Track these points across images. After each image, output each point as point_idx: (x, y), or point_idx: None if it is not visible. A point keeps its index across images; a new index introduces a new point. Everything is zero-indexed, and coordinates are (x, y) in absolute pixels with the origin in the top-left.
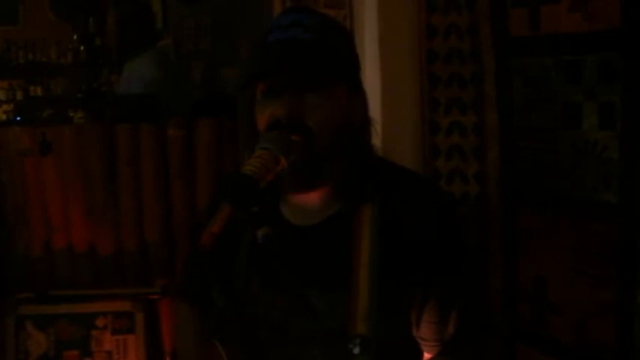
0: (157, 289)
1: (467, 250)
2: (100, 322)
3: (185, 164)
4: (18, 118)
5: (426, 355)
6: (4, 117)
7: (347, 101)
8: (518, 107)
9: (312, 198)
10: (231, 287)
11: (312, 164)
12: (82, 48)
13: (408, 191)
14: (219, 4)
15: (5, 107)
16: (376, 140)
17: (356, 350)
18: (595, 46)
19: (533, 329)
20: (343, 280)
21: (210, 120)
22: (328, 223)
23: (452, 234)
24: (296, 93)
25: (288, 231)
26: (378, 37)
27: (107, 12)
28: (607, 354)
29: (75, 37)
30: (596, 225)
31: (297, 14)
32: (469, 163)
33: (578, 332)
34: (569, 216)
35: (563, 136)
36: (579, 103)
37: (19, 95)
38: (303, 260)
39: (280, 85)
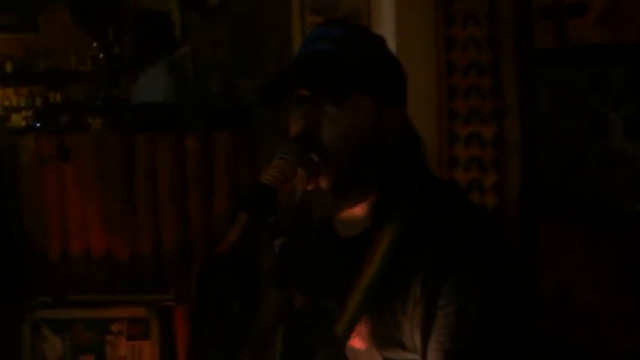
0: (171, 297)
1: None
2: (115, 328)
3: (202, 174)
4: (38, 125)
5: None
6: (23, 123)
7: (375, 116)
8: (542, 118)
9: (350, 210)
10: (253, 296)
11: (333, 187)
12: (101, 56)
13: (440, 227)
14: (238, 14)
15: (25, 113)
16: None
17: None
18: (622, 58)
19: (555, 339)
20: (345, 295)
21: (227, 131)
22: (361, 236)
23: (481, 302)
24: (314, 106)
25: (331, 241)
26: (396, 48)
27: (126, 20)
28: None
29: (94, 45)
30: (623, 234)
31: (326, 27)
32: (487, 175)
33: (602, 341)
34: (595, 226)
35: (589, 146)
36: (606, 113)
37: (39, 102)
38: (331, 269)
39: (303, 97)
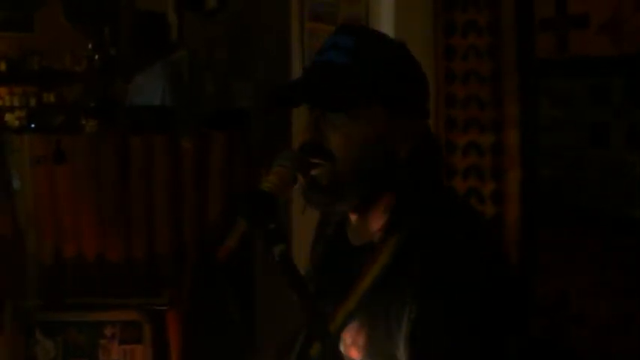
0: (164, 300)
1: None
2: (108, 332)
3: (197, 177)
4: (32, 125)
5: None
6: (16, 123)
7: (384, 127)
8: (543, 127)
9: (362, 218)
10: (250, 301)
11: (332, 187)
12: (96, 57)
13: (434, 244)
14: (235, 17)
15: (18, 113)
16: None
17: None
18: (623, 69)
19: (554, 344)
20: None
21: (223, 133)
22: (369, 245)
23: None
24: (320, 115)
25: (343, 248)
26: None
27: (122, 21)
28: None
29: (90, 45)
30: (623, 240)
31: (338, 36)
32: (486, 183)
33: (601, 345)
34: (595, 233)
35: (590, 155)
36: (607, 123)
37: (33, 102)
38: (338, 276)
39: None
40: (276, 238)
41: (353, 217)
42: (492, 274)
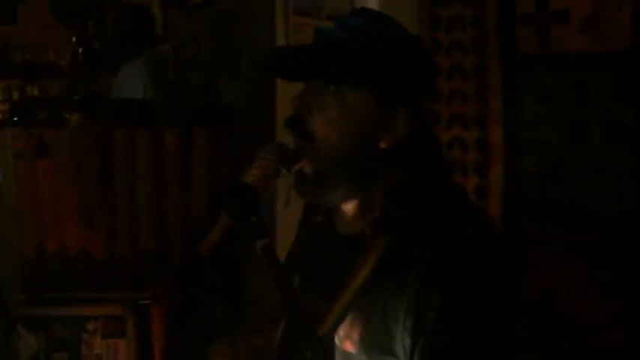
0: (148, 295)
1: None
2: (90, 326)
3: (181, 172)
4: (14, 119)
5: None
6: None
7: (371, 114)
8: (526, 123)
9: (348, 208)
10: (233, 296)
11: (316, 176)
12: (80, 50)
13: (436, 238)
14: (220, 11)
15: (1, 107)
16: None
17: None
18: (605, 65)
19: (539, 341)
20: (335, 294)
21: (207, 128)
22: (360, 236)
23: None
24: (310, 89)
25: (331, 237)
26: None
27: (107, 15)
28: None
29: (73, 39)
30: (606, 237)
31: (351, 15)
32: (469, 179)
33: (586, 342)
34: (578, 229)
35: (571, 151)
36: (588, 119)
37: (16, 95)
38: (327, 266)
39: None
40: (259, 232)
41: (342, 206)
42: (490, 268)
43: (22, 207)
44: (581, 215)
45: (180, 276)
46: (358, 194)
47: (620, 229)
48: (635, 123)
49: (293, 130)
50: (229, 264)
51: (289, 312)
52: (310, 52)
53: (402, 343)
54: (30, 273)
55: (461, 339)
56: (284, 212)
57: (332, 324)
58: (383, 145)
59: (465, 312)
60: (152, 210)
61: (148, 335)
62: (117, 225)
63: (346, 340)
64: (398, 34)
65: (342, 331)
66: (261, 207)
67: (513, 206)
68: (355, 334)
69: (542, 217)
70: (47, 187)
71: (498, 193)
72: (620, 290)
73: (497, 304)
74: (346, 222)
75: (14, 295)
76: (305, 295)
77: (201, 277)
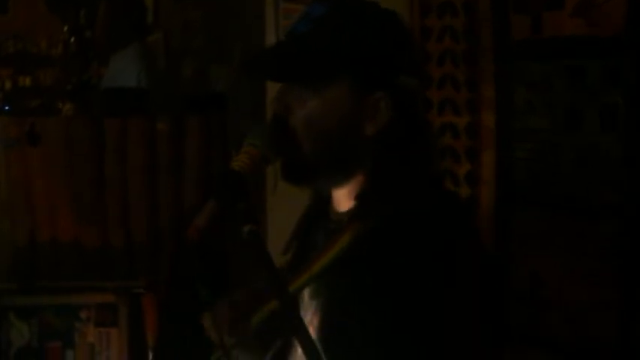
0: (141, 283)
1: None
2: (83, 315)
3: (173, 160)
4: (6, 108)
5: None
6: None
7: (351, 103)
8: (519, 110)
9: (339, 195)
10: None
11: (297, 163)
12: (72, 39)
13: (409, 229)
14: (211, 1)
15: None
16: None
17: None
18: (598, 51)
19: (528, 328)
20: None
21: (199, 116)
22: (337, 221)
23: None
24: (289, 87)
25: (323, 223)
26: None
27: (98, 4)
28: (604, 351)
29: (65, 28)
30: (597, 224)
31: (312, 5)
32: (461, 165)
33: (575, 330)
34: (570, 216)
35: (564, 138)
36: (581, 106)
37: (8, 85)
38: (312, 250)
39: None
40: (246, 218)
41: (333, 192)
42: (463, 270)
43: (14, 196)
44: (572, 203)
45: (172, 264)
46: (345, 181)
47: (612, 217)
48: (628, 110)
49: (274, 129)
50: (215, 249)
51: (277, 297)
52: (279, 54)
53: (363, 326)
54: (22, 261)
55: (427, 323)
56: (273, 198)
57: (295, 288)
58: (368, 131)
59: (431, 297)
60: (144, 198)
61: (141, 324)
62: (109, 214)
63: (309, 326)
64: (367, 16)
65: (306, 318)
66: (248, 192)
67: (505, 193)
68: (316, 320)
69: (534, 204)
70: (39, 176)
71: (490, 179)
72: (610, 278)
73: (464, 297)
74: (336, 208)
75: (6, 284)
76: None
77: (187, 261)
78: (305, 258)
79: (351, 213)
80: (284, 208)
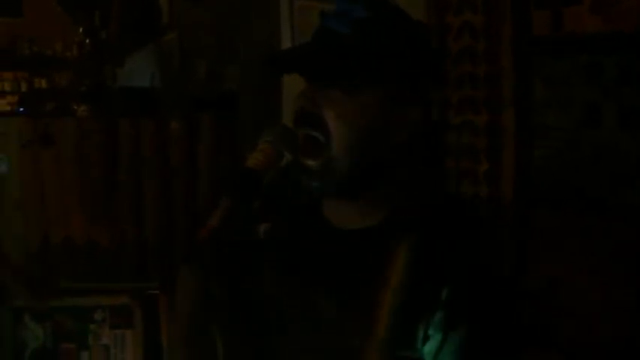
0: (156, 285)
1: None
2: (98, 316)
3: (186, 160)
4: (21, 110)
5: None
6: (8, 108)
7: (383, 111)
8: (538, 107)
9: (353, 202)
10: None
11: (327, 168)
12: (87, 41)
13: (451, 235)
14: (224, 1)
15: (10, 99)
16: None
17: None
18: (617, 48)
19: (545, 328)
20: (361, 298)
21: (211, 116)
22: (367, 232)
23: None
24: (318, 87)
25: (321, 229)
26: None
27: (113, 5)
28: (619, 354)
29: (80, 30)
30: (617, 224)
31: (353, 6)
32: (480, 163)
33: (592, 333)
34: (588, 216)
35: (583, 136)
36: (599, 103)
37: (24, 87)
38: (327, 264)
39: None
40: (261, 217)
41: (345, 200)
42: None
43: (28, 197)
44: (592, 201)
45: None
46: (368, 189)
47: (632, 217)
48: None
49: (308, 124)
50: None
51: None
52: (316, 53)
53: (424, 337)
54: (35, 263)
55: (489, 333)
56: None
57: (388, 330)
58: (396, 140)
59: (493, 306)
60: (158, 198)
61: (155, 325)
62: (123, 215)
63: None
64: (403, 24)
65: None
66: (263, 191)
67: (524, 191)
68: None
69: (553, 203)
70: (52, 177)
71: (509, 177)
72: (630, 279)
73: (512, 299)
74: (344, 215)
75: (21, 285)
76: (283, 280)
77: (202, 262)
78: (307, 266)
79: (390, 223)
80: None
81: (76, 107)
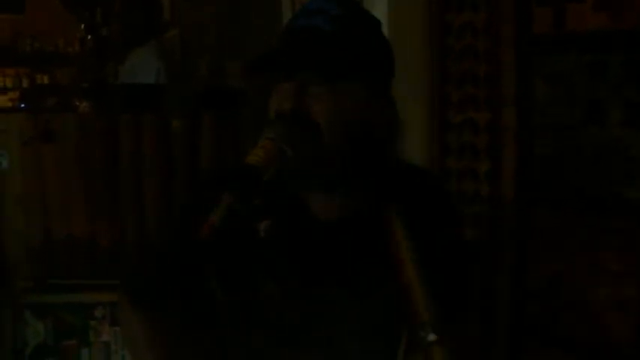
0: None
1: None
2: (98, 313)
3: (188, 157)
4: (22, 106)
5: None
6: (9, 104)
7: (365, 103)
8: (539, 105)
9: (338, 194)
10: (234, 282)
11: (319, 161)
12: (88, 38)
13: (424, 191)
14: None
15: (11, 95)
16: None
17: (431, 337)
18: (621, 45)
19: (546, 327)
20: (380, 280)
21: (213, 112)
22: (354, 219)
23: (458, 230)
24: (304, 84)
25: (313, 225)
26: (389, 32)
27: (114, 2)
28: (625, 351)
29: (82, 26)
30: (619, 222)
31: (325, 2)
32: (481, 162)
33: (595, 329)
34: (590, 213)
35: (586, 133)
36: (603, 100)
37: (25, 83)
38: (330, 257)
39: (289, 74)
40: (262, 214)
41: (325, 194)
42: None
43: (28, 194)
44: (594, 199)
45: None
46: (352, 180)
47: (634, 215)
48: None
49: (296, 125)
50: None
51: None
52: (300, 48)
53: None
54: (37, 260)
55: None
56: None
57: (426, 300)
58: (377, 132)
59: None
60: (159, 195)
61: None
62: (124, 212)
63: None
64: (372, 22)
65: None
66: (263, 188)
67: (526, 189)
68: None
69: (555, 201)
70: (53, 173)
71: (511, 176)
72: (632, 277)
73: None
74: (328, 207)
75: (21, 282)
76: (290, 281)
77: (202, 260)
78: (310, 264)
79: (377, 204)
80: None
81: (77, 104)
